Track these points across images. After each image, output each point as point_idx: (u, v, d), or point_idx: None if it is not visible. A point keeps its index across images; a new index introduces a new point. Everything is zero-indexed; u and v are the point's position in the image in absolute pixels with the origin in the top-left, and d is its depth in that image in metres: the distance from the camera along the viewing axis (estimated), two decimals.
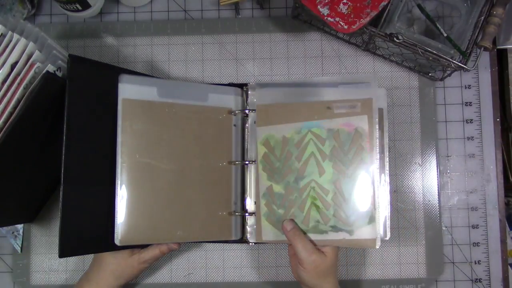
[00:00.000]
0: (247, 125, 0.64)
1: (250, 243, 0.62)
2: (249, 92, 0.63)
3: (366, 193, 0.57)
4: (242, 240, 0.63)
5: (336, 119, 0.59)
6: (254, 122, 0.62)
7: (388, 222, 0.61)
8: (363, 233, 0.57)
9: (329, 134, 0.59)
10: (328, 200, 0.58)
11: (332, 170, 0.58)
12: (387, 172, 0.62)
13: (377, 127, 0.58)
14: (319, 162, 0.59)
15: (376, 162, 0.57)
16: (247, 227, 0.62)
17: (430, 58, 0.59)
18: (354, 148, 0.58)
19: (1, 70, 0.51)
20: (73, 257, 0.67)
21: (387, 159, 0.62)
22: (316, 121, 0.59)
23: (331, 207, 0.58)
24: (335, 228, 0.58)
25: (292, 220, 0.59)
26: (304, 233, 0.58)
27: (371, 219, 0.57)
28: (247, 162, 0.63)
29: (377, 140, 0.58)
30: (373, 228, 0.57)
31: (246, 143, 0.64)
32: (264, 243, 0.61)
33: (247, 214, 0.62)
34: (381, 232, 0.61)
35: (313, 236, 0.58)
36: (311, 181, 0.59)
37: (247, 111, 0.63)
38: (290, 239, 0.57)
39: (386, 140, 0.62)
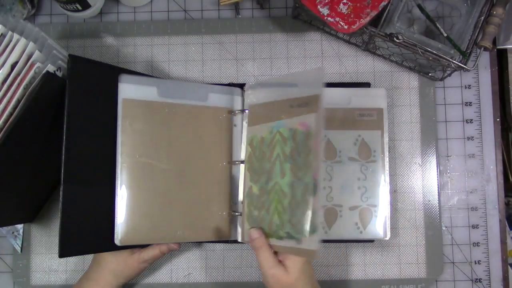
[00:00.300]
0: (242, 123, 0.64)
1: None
2: (248, 91, 0.63)
3: (308, 200, 0.52)
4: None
5: (294, 118, 0.55)
6: (246, 122, 0.62)
7: (388, 222, 0.62)
8: (306, 242, 0.51)
9: (289, 134, 0.56)
10: (285, 204, 0.54)
11: (290, 173, 0.54)
12: (387, 172, 0.63)
13: (323, 126, 0.53)
14: (282, 164, 0.56)
15: (321, 165, 0.53)
16: (238, 227, 0.62)
17: (430, 58, 0.59)
18: (305, 149, 0.54)
19: (1, 70, 0.51)
20: (73, 257, 0.67)
21: (387, 159, 0.63)
22: (282, 120, 0.57)
23: (287, 212, 0.54)
24: (288, 235, 0.53)
25: (260, 229, 0.56)
26: (269, 236, 0.55)
27: (313, 228, 0.51)
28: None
29: (323, 141, 0.56)
30: (313, 238, 0.51)
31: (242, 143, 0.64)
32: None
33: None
34: (381, 232, 0.62)
35: (273, 241, 0.55)
36: (275, 184, 0.56)
37: (246, 111, 0.63)
38: (254, 249, 0.54)
39: (386, 140, 0.63)
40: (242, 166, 0.62)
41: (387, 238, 0.62)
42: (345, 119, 0.64)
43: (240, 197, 0.61)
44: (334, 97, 0.64)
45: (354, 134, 0.64)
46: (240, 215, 0.62)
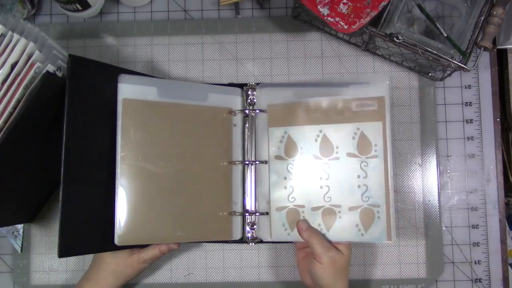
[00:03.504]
0: (247, 125, 0.64)
1: (250, 243, 0.63)
2: (256, 91, 0.64)
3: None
4: (242, 240, 0.63)
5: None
6: (264, 122, 0.62)
7: (394, 224, 0.61)
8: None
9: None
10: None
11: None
12: (390, 167, 0.58)
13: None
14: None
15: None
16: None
17: (430, 58, 0.59)
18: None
19: (1, 70, 0.51)
20: (73, 257, 0.67)
21: (390, 154, 0.58)
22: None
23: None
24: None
25: (305, 220, 0.59)
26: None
27: None
28: (247, 162, 0.63)
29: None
30: None
31: (245, 143, 0.64)
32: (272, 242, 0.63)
33: (247, 214, 0.62)
34: (385, 235, 0.58)
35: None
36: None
37: (246, 111, 0.63)
38: (306, 237, 0.57)
39: (388, 132, 0.58)
40: (260, 165, 0.62)
41: (392, 241, 0.59)
42: (342, 111, 0.60)
43: (260, 197, 0.62)
44: (329, 87, 0.61)
45: (352, 127, 0.59)
46: (242, 215, 0.62)
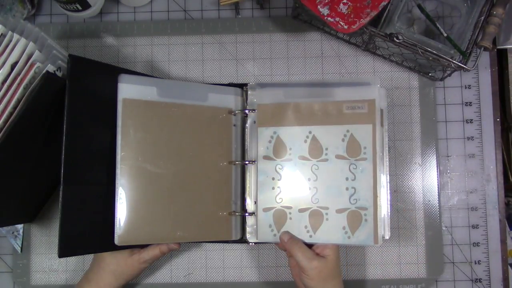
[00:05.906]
0: (247, 125, 0.64)
1: (250, 243, 0.62)
2: (248, 92, 0.63)
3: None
4: (242, 240, 0.63)
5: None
6: (254, 122, 0.62)
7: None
8: None
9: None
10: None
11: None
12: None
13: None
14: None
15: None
16: (247, 227, 0.62)
17: (430, 58, 0.59)
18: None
19: (1, 70, 0.51)
20: (73, 257, 0.67)
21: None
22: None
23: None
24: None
25: (287, 231, 0.59)
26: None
27: None
28: (247, 162, 0.63)
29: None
30: None
31: (245, 143, 0.64)
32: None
33: (247, 214, 0.62)
34: (371, 239, 0.58)
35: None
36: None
37: (246, 111, 0.63)
38: (289, 249, 0.56)
39: (378, 134, 0.58)
40: (251, 166, 0.62)
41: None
42: (332, 113, 0.59)
43: (249, 197, 0.62)
44: (318, 89, 0.61)
45: (342, 129, 0.59)
46: (242, 215, 0.62)
